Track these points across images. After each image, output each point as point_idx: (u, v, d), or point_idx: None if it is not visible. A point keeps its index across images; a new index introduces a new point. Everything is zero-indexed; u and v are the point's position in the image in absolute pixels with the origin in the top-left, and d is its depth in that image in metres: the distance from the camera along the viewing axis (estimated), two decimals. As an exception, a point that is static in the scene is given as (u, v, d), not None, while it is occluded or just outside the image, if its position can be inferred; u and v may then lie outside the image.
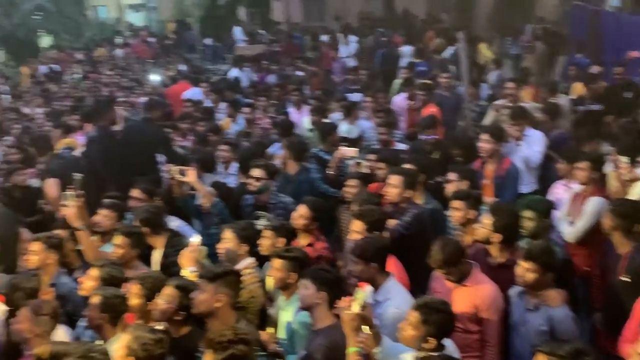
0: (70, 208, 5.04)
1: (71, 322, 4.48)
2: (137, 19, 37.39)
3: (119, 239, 4.77)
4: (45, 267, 4.68)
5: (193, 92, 11.27)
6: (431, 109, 8.36)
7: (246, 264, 4.60)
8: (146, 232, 4.95)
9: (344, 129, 8.17)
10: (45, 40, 24.26)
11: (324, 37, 17.64)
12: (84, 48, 23.86)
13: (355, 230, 4.67)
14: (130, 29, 30.59)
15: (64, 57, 20.75)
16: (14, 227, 5.37)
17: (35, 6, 22.13)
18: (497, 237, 4.39)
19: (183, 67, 16.32)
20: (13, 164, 7.51)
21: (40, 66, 19.09)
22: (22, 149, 8.34)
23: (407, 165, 5.66)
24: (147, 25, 35.72)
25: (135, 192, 5.62)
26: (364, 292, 3.44)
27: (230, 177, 7.04)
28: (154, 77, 14.46)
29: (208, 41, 21.28)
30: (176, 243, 4.90)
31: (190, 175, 5.49)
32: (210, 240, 5.17)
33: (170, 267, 4.62)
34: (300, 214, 5.08)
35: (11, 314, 4.12)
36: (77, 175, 5.33)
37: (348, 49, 16.27)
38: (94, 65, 18.95)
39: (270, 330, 4.06)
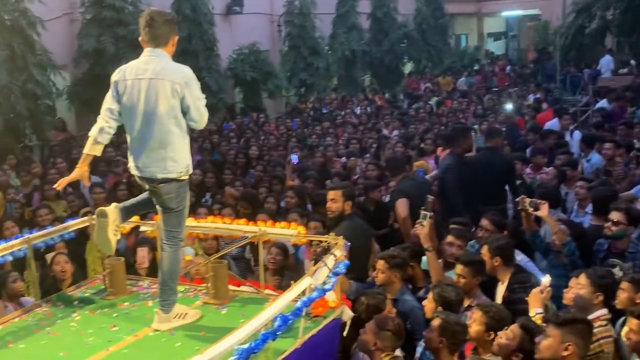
0: (423, 228, 5.18)
1: (409, 340, 4.58)
2: (496, 47, 37.79)
3: (460, 268, 4.73)
4: (390, 285, 4.86)
5: (552, 123, 10.94)
6: None
7: (599, 314, 4.15)
8: (496, 263, 4.81)
9: None
10: (407, 67, 25.93)
11: None
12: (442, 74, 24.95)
13: None
14: (489, 56, 31.02)
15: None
16: (367, 239, 5.72)
17: (403, 34, 23.72)
18: None
19: (537, 96, 15.93)
20: (371, 179, 8.14)
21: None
22: (379, 166, 9.04)
23: None
24: (505, 54, 35.89)
25: (485, 223, 5.54)
26: None
27: (585, 217, 6.50)
28: (509, 106, 14.34)
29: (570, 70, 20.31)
30: (523, 279, 4.69)
31: (543, 209, 5.19)
32: (555, 281, 4.90)
33: (514, 303, 4.40)
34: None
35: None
36: (430, 197, 5.44)
37: None
38: (449, 92, 19.63)
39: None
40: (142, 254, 5.51)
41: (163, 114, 3.82)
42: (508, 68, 26.35)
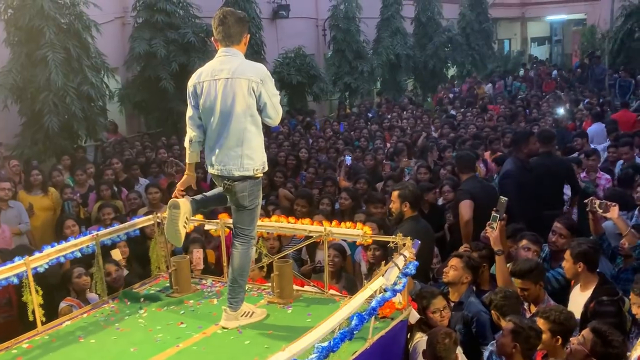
0: (493, 231, 5.09)
1: (472, 344, 4.51)
2: (540, 52, 37.29)
3: (518, 282, 4.67)
4: (459, 284, 4.79)
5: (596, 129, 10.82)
6: None
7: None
8: (580, 268, 4.67)
9: None
10: (450, 71, 25.73)
11: None
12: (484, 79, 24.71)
13: None
14: (533, 61, 30.61)
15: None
16: (430, 241, 5.66)
17: (447, 39, 23.54)
18: None
19: (588, 101, 15.66)
20: (423, 182, 8.08)
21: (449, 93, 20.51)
22: (430, 169, 9.00)
23: None
24: (549, 58, 35.38)
25: (558, 226, 5.41)
26: None
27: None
28: (560, 110, 14.12)
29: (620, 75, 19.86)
30: (611, 292, 4.47)
31: (614, 211, 5.05)
32: (622, 286, 4.82)
33: (602, 316, 4.17)
34: None
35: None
36: (503, 199, 5.27)
37: None
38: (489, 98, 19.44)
39: None
40: (198, 255, 5.51)
41: (240, 112, 3.86)
42: (554, 73, 25.93)
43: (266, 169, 4.08)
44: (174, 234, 4.02)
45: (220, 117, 3.89)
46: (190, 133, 4.10)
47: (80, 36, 10.94)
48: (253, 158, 3.94)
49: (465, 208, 6.24)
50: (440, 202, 7.80)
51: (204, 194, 4.34)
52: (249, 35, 4.11)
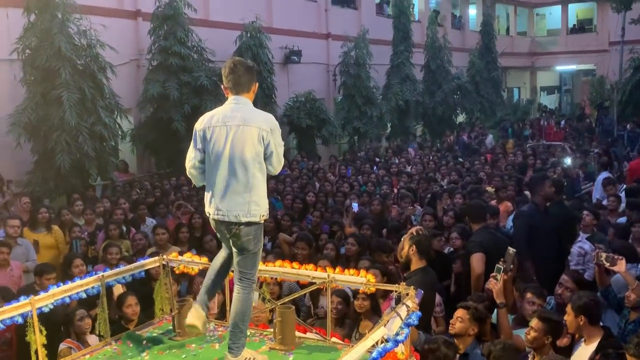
0: (497, 283, 5.08)
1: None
2: (550, 101, 37.55)
3: (535, 322, 4.62)
4: (465, 336, 4.77)
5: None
6: None
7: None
8: (581, 322, 4.65)
9: None
10: (460, 118, 25.94)
11: None
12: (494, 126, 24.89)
13: None
14: (541, 110, 30.83)
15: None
16: (434, 291, 5.63)
17: (456, 86, 23.82)
18: None
19: (597, 151, 15.70)
20: (429, 230, 8.07)
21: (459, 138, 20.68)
22: (435, 216, 8.98)
23: None
24: (558, 108, 35.60)
25: (565, 279, 5.42)
26: None
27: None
28: (567, 159, 14.18)
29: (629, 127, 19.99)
30: (617, 345, 4.42)
31: (621, 265, 5.05)
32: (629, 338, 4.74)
33: None
34: None
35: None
36: (511, 250, 5.26)
37: None
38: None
39: None
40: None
41: (249, 159, 3.93)
42: (562, 122, 26.10)
43: (268, 214, 4.13)
44: (194, 330, 4.23)
45: (229, 164, 3.95)
46: (195, 180, 4.25)
47: (96, 77, 11.18)
48: (260, 204, 3.99)
49: (478, 262, 6.12)
50: (447, 249, 7.78)
51: (206, 280, 4.36)
52: (257, 84, 4.20)
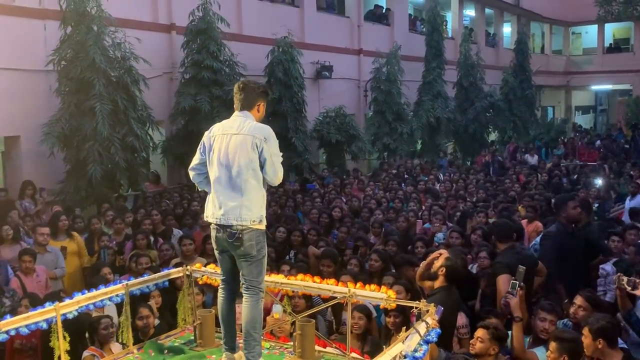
0: (513, 298, 5.11)
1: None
2: (585, 121, 37.04)
3: (552, 344, 4.56)
4: (486, 356, 4.71)
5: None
6: None
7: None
8: (600, 345, 4.54)
9: None
10: (492, 136, 25.70)
11: None
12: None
13: None
14: (576, 129, 30.42)
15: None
16: (457, 311, 5.56)
17: (489, 104, 23.62)
18: None
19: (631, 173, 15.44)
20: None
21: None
22: (462, 234, 8.87)
23: None
24: (594, 128, 35.09)
25: (579, 300, 5.31)
26: None
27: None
28: (598, 181, 13.96)
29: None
30: None
31: (643, 290, 4.95)
32: None
33: None
34: None
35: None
36: (521, 268, 5.33)
37: None
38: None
39: None
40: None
41: (242, 165, 4.14)
42: (598, 142, 25.71)
43: (264, 223, 4.24)
44: None
45: (226, 169, 4.17)
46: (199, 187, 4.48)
47: (129, 89, 11.39)
48: (251, 209, 4.14)
49: (504, 284, 5.91)
50: (474, 269, 7.67)
51: (223, 331, 4.47)
52: (264, 103, 4.44)
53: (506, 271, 6.03)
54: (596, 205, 11.59)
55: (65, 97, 10.98)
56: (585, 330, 4.61)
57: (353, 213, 11.01)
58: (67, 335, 4.34)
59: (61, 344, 4.28)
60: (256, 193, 4.18)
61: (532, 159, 21.34)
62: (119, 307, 5.27)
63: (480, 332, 4.78)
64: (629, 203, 11.64)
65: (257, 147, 4.14)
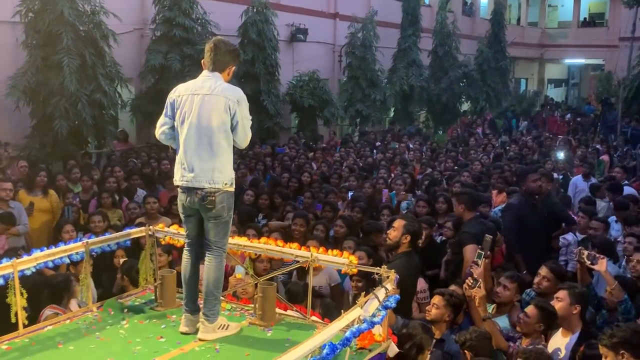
0: (477, 268, 5.18)
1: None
2: (556, 94, 37.35)
3: (530, 309, 4.71)
4: (441, 322, 4.79)
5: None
6: None
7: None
8: (575, 311, 4.71)
9: None
10: (464, 106, 25.81)
11: None
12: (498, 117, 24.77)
13: None
14: (547, 103, 30.66)
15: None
16: (417, 277, 5.63)
17: (462, 74, 23.64)
18: None
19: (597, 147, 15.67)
20: (420, 216, 8.04)
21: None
22: (429, 203, 8.91)
23: None
24: (565, 101, 35.42)
25: (544, 271, 5.41)
26: None
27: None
28: (560, 154, 14.08)
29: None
30: (597, 335, 4.41)
31: (602, 264, 5.05)
32: None
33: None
34: None
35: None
36: (488, 237, 5.38)
37: None
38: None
39: None
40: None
41: (215, 128, 4.04)
42: (568, 116, 25.97)
43: (234, 184, 4.20)
44: None
45: (196, 131, 4.06)
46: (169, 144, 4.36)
47: (97, 44, 11.13)
48: (222, 172, 4.09)
49: (471, 253, 6.01)
50: (438, 238, 7.73)
51: (185, 292, 4.43)
52: (234, 67, 4.30)
53: (473, 241, 6.15)
54: (560, 177, 11.73)
55: (32, 50, 10.70)
56: (563, 294, 4.74)
57: (323, 179, 11.01)
58: (24, 292, 4.29)
59: (18, 301, 4.23)
60: (227, 156, 4.12)
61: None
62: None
63: (436, 299, 4.87)
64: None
65: (229, 110, 4.05)
